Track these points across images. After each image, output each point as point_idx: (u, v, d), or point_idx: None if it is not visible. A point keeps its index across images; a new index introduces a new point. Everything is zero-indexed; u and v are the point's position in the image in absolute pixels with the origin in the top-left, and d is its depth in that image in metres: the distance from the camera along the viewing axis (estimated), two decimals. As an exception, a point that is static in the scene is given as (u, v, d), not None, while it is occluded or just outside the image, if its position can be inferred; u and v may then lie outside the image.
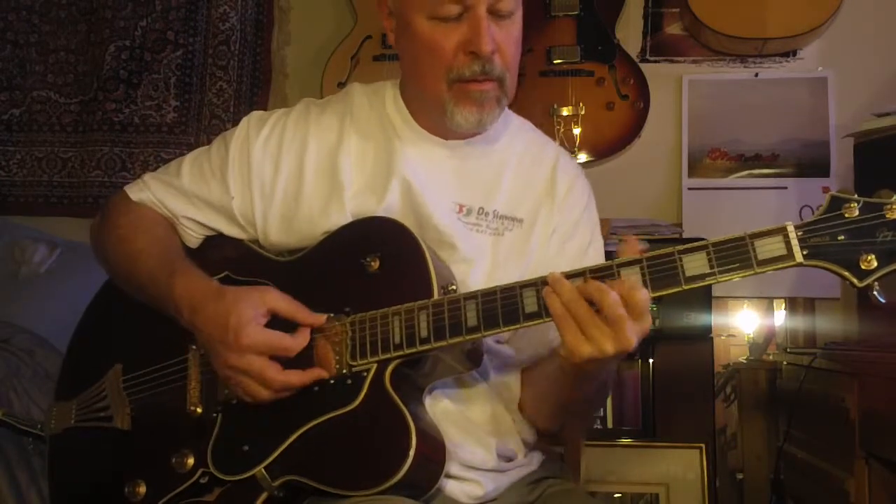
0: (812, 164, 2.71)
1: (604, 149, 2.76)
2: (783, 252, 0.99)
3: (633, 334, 1.02)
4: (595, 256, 1.37)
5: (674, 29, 2.87)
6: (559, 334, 1.06)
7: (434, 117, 1.30)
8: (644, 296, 1.02)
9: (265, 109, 3.18)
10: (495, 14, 1.22)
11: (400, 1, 1.27)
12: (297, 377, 1.16)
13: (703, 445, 2.34)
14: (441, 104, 1.25)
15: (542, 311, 1.07)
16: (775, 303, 2.75)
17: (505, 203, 1.32)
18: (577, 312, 1.03)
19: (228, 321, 1.16)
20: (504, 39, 1.23)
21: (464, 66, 1.22)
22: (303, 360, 1.18)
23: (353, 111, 1.38)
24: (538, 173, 1.37)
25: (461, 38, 1.21)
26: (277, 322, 1.19)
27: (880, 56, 2.72)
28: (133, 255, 1.34)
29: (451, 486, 1.21)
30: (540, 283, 1.08)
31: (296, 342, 1.17)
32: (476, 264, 1.27)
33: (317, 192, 1.32)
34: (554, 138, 2.65)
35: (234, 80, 3.09)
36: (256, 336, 1.15)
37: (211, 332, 1.18)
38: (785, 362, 2.46)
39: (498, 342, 1.30)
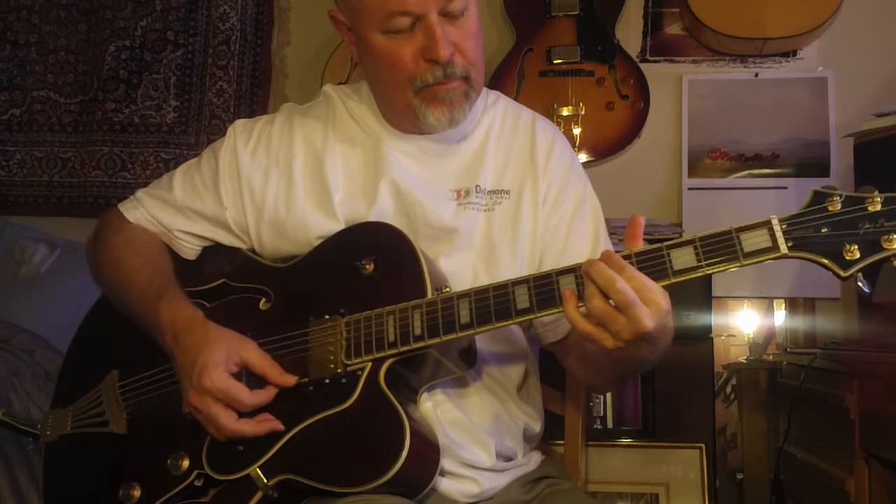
0: (812, 164, 2.70)
1: (604, 149, 2.76)
2: (768, 244, 1.01)
3: (647, 318, 1.01)
4: (592, 213, 1.38)
5: (674, 29, 2.87)
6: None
7: (409, 122, 1.32)
8: (646, 281, 1.02)
9: (266, 110, 3.20)
10: (448, 15, 1.22)
11: (354, 19, 1.27)
12: (249, 427, 1.17)
13: (703, 445, 2.34)
14: (412, 110, 1.27)
15: (534, 307, 1.09)
16: (775, 303, 2.74)
17: (490, 177, 1.34)
18: (595, 308, 1.03)
19: (197, 358, 1.17)
20: (461, 37, 1.23)
21: (426, 72, 1.23)
22: (297, 362, 1.20)
23: (336, 117, 1.39)
24: (517, 141, 1.38)
25: (418, 46, 1.22)
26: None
27: (880, 56, 2.71)
28: (124, 276, 1.35)
29: (446, 484, 1.22)
30: (532, 281, 1.09)
31: (253, 399, 1.17)
32: (475, 245, 1.29)
33: (307, 197, 1.33)
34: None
35: (234, 80, 3.09)
36: (217, 382, 1.16)
37: (182, 362, 1.20)
38: (785, 362, 2.46)
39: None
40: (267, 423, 1.17)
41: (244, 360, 1.19)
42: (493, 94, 1.44)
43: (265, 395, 1.18)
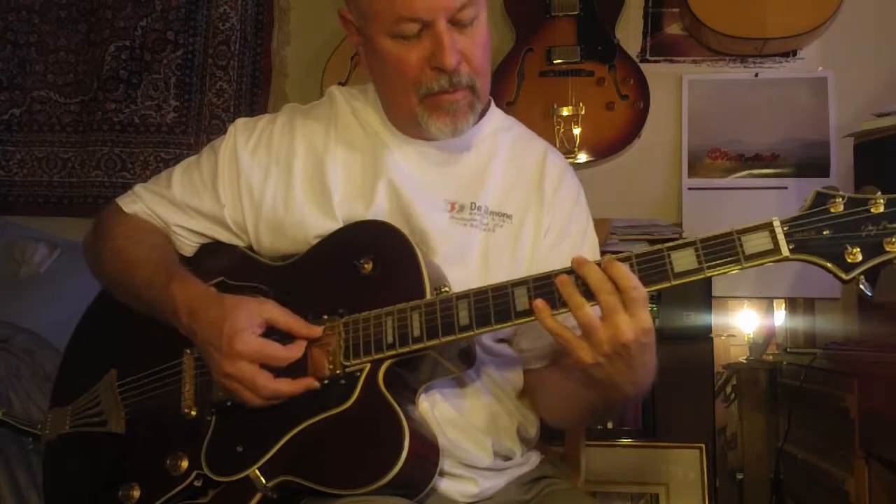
0: (812, 164, 2.71)
1: (604, 149, 2.76)
2: (770, 246, 1.01)
3: (627, 328, 1.02)
4: (590, 250, 1.37)
5: (674, 29, 2.87)
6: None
7: (412, 127, 1.31)
8: (636, 283, 1.02)
9: (266, 109, 3.20)
10: (457, 24, 1.21)
11: (363, 21, 1.26)
12: (287, 386, 1.16)
13: (703, 445, 2.34)
14: (415, 117, 1.26)
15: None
16: (775, 303, 2.75)
17: (495, 199, 1.33)
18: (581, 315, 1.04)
19: (223, 327, 1.17)
20: (468, 46, 1.22)
21: (431, 80, 1.22)
22: (296, 363, 1.19)
23: (338, 119, 1.38)
24: (525, 169, 1.37)
25: (425, 53, 1.21)
26: (275, 333, 1.19)
27: (880, 56, 2.72)
28: (129, 263, 1.34)
29: (445, 485, 1.21)
30: (531, 282, 1.09)
31: (287, 353, 1.18)
32: (466, 262, 1.28)
33: (306, 198, 1.32)
34: (554, 138, 2.66)
35: (234, 80, 3.09)
36: (249, 344, 1.16)
37: (207, 336, 1.19)
38: (785, 362, 2.46)
39: (499, 340, 1.31)
40: (302, 381, 1.17)
41: (267, 318, 1.19)
42: (509, 120, 1.43)
43: (296, 349, 1.18)
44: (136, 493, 1.26)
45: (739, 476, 2.61)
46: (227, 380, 1.18)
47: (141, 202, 1.41)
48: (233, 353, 1.15)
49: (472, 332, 1.11)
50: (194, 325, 1.21)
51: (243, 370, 1.16)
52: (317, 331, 1.19)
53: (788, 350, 2.55)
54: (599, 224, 1.46)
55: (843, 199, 1.00)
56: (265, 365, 1.17)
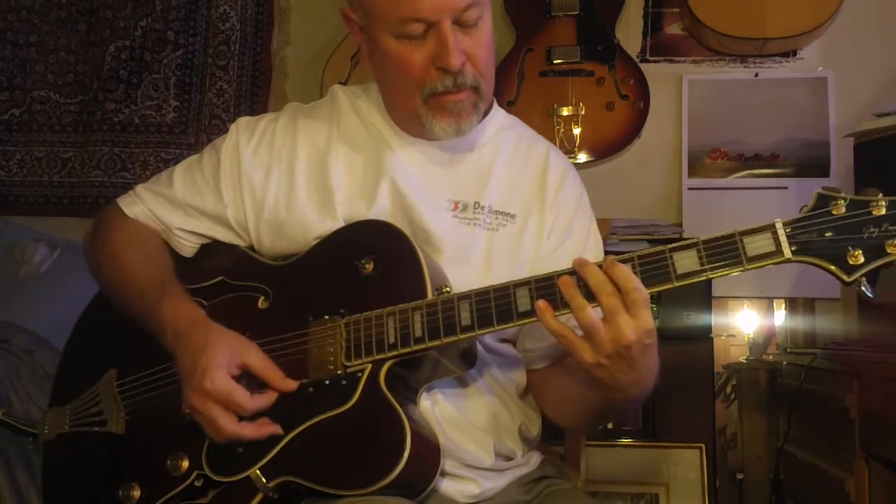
0: (812, 164, 2.71)
1: (604, 149, 2.76)
2: (772, 248, 1.01)
3: (629, 329, 1.02)
4: (594, 249, 1.37)
5: (674, 29, 2.87)
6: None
7: (415, 127, 1.31)
8: (637, 284, 1.02)
9: (266, 109, 3.20)
10: (461, 24, 1.21)
11: (367, 20, 1.26)
12: (249, 431, 1.16)
13: (703, 445, 2.35)
14: (418, 117, 1.26)
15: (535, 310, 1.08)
16: (775, 303, 2.75)
17: (498, 198, 1.32)
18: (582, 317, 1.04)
19: (199, 359, 1.16)
20: (473, 46, 1.22)
21: (436, 80, 1.22)
22: (296, 363, 1.19)
23: (341, 118, 1.38)
24: (528, 168, 1.37)
25: (430, 53, 1.21)
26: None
27: (880, 56, 2.72)
28: (125, 272, 1.34)
29: (446, 485, 1.21)
30: (533, 283, 1.09)
31: (254, 403, 1.16)
32: (469, 261, 1.27)
33: (308, 198, 1.32)
34: (554, 138, 2.66)
35: (234, 80, 3.09)
36: (217, 385, 1.15)
37: (184, 362, 1.19)
38: (785, 362, 2.46)
39: (503, 340, 1.31)
40: (266, 427, 1.16)
41: (246, 363, 1.18)
42: (511, 119, 1.43)
43: (266, 400, 1.17)
44: (136, 493, 1.25)
45: (739, 476, 2.61)
46: (193, 412, 1.18)
47: (141, 203, 1.40)
48: (201, 389, 1.15)
49: (473, 333, 1.11)
50: (177, 348, 1.21)
51: (208, 409, 1.15)
52: (291, 385, 1.18)
53: (788, 350, 2.55)
54: (599, 224, 1.46)
55: (844, 201, 1.00)
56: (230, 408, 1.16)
